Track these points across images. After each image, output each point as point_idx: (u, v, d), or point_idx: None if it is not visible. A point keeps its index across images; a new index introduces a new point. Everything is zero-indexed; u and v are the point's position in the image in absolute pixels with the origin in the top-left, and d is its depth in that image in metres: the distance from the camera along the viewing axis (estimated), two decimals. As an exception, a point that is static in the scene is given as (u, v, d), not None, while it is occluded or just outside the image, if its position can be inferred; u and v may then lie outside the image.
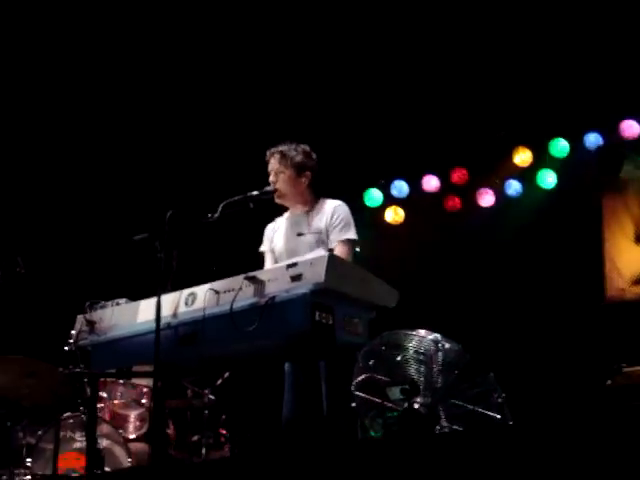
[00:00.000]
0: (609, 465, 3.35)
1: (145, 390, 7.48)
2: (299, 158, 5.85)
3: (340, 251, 5.52)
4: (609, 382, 6.85)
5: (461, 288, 8.88)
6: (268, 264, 5.83)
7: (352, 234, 5.71)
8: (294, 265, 4.79)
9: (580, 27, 8.16)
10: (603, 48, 8.18)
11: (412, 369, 5.41)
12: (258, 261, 5.94)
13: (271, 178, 5.84)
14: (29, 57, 8.70)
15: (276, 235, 5.96)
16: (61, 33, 8.62)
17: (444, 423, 5.37)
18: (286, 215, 6.00)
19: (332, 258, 4.83)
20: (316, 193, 5.92)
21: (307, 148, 5.93)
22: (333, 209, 5.77)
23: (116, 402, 7.44)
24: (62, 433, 6.62)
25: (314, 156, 5.94)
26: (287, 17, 8.58)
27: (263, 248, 6.01)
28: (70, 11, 8.45)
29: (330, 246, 5.62)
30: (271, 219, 6.09)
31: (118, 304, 5.50)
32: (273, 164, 5.87)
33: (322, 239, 5.68)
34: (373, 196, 9.68)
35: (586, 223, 8.55)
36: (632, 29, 8.00)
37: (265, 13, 8.59)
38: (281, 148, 5.88)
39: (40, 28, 8.56)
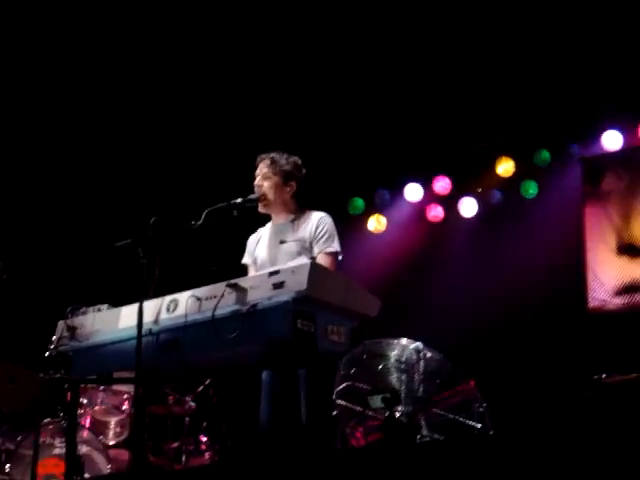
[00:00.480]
0: (588, 474, 3.36)
1: (126, 397, 7.46)
2: (288, 167, 5.86)
3: (324, 262, 5.51)
4: (589, 393, 6.87)
5: (443, 297, 8.89)
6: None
7: (336, 246, 5.71)
8: (276, 273, 4.79)
9: (562, 38, 8.19)
10: (585, 60, 8.21)
11: (393, 378, 5.43)
12: (240, 268, 5.94)
13: (257, 182, 5.85)
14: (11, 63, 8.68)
15: (258, 246, 5.96)
16: (45, 38, 8.59)
17: (425, 432, 5.38)
18: (268, 225, 6.00)
19: (314, 266, 4.83)
20: (300, 204, 5.92)
21: (298, 161, 5.95)
22: (318, 220, 5.77)
23: (96, 408, 7.42)
24: (42, 439, 6.59)
25: (303, 170, 5.96)
26: (272, 28, 8.58)
27: (245, 260, 6.01)
28: (59, 11, 8.41)
29: (313, 256, 5.62)
30: (254, 228, 6.08)
31: (100, 310, 5.48)
32: (261, 168, 5.88)
33: (305, 248, 5.68)
34: (356, 205, 9.69)
35: (568, 233, 8.58)
36: (613, 41, 8.04)
37: (252, 24, 8.59)
38: (272, 155, 5.90)
39: (28, 27, 8.53)
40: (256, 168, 5.92)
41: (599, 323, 8.27)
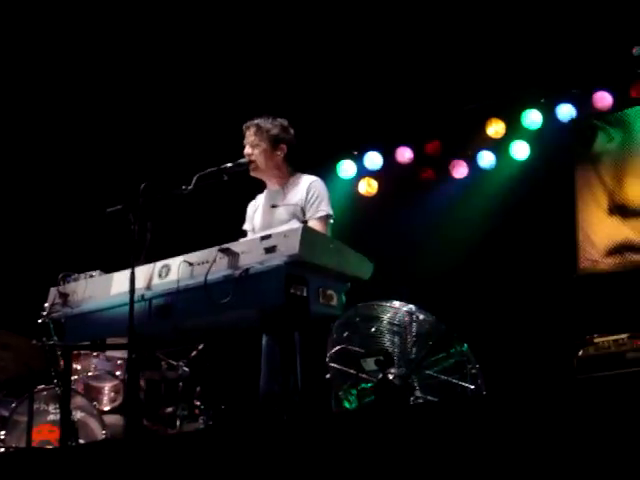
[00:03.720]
0: (580, 435, 3.38)
1: (119, 362, 7.47)
2: (275, 131, 5.83)
3: (316, 227, 5.49)
4: (580, 353, 6.90)
5: (434, 259, 8.89)
6: None
7: (327, 209, 5.70)
8: (268, 237, 4.80)
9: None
10: (574, 18, 8.17)
11: (386, 340, 5.45)
12: (233, 234, 5.93)
13: (246, 150, 5.82)
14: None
15: (256, 213, 5.96)
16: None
17: (418, 394, 5.40)
18: (265, 191, 5.99)
19: (306, 230, 4.84)
20: (292, 167, 5.90)
21: (285, 122, 5.92)
22: (309, 185, 5.75)
23: (90, 374, 7.43)
24: (36, 405, 6.60)
25: (291, 130, 5.93)
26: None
27: (246, 226, 6.00)
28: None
29: (305, 220, 5.61)
30: (246, 197, 6.07)
31: (91, 276, 5.49)
32: (249, 136, 5.85)
33: (296, 213, 5.66)
34: (346, 168, 9.67)
35: (559, 194, 8.57)
36: (604, 3, 8.01)
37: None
38: (257, 121, 5.86)
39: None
40: (244, 137, 5.89)
41: (590, 283, 8.29)
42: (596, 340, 6.89)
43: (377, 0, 8.53)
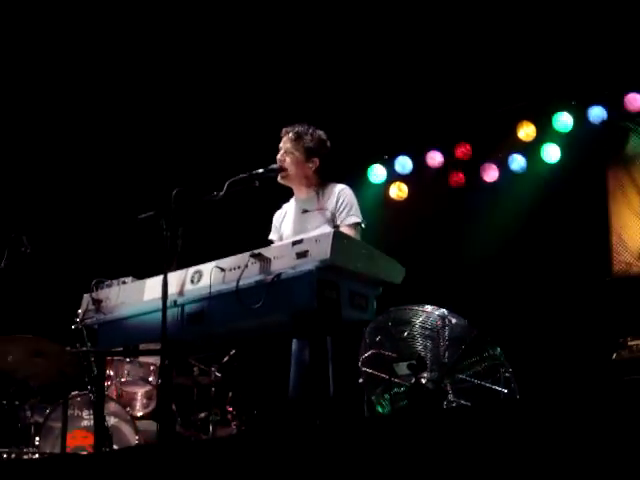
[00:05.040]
0: (614, 439, 3.36)
1: (152, 368, 7.50)
2: (311, 144, 5.81)
3: (347, 234, 5.49)
4: (614, 356, 6.86)
5: (467, 263, 8.88)
6: None
7: (357, 217, 5.70)
8: (300, 242, 4.79)
9: (585, 1, 8.13)
10: (607, 21, 8.13)
11: (419, 344, 5.43)
12: (264, 239, 5.94)
13: (279, 156, 5.82)
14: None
15: (284, 222, 5.95)
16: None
17: (451, 398, 5.38)
18: (292, 200, 5.98)
19: (337, 234, 4.82)
20: (323, 177, 5.89)
21: (323, 135, 5.89)
22: (338, 193, 5.75)
23: (123, 380, 7.47)
24: (70, 411, 6.64)
25: (328, 144, 5.91)
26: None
27: (272, 236, 6.00)
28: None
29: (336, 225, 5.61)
30: (278, 200, 6.07)
31: (124, 282, 5.50)
32: (285, 142, 5.84)
33: (328, 220, 5.66)
34: (377, 172, 9.67)
35: (591, 197, 8.53)
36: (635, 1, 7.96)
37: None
38: (297, 129, 5.84)
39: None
40: (280, 140, 5.89)
41: (624, 286, 8.23)
42: (630, 343, 6.85)
43: (407, 5, 8.51)
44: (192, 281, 5.11)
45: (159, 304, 5.01)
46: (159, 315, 4.98)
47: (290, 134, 5.85)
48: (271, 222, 6.07)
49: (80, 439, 6.82)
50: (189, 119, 9.30)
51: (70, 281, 7.24)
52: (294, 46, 8.85)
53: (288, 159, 5.80)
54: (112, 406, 7.00)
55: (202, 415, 7.68)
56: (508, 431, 3.57)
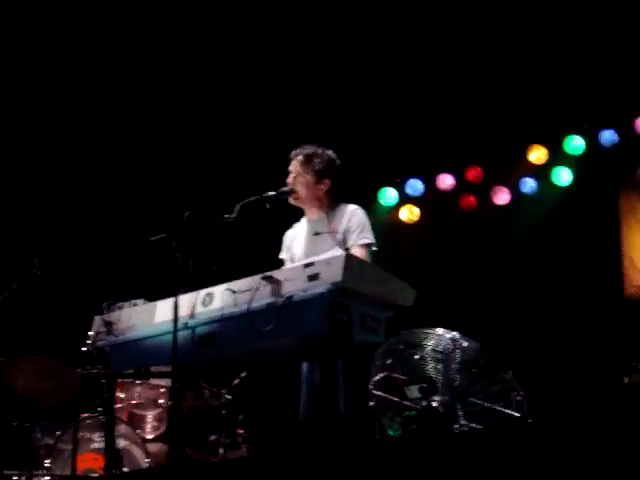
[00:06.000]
0: (626, 463, 3.34)
1: (162, 390, 7.48)
2: (321, 166, 5.82)
3: (358, 255, 5.48)
4: (627, 379, 6.84)
5: (478, 286, 8.87)
6: None
7: (369, 238, 5.71)
8: (311, 264, 4.79)
9: (594, 23, 8.14)
10: (617, 44, 8.15)
11: (430, 367, 5.41)
12: (275, 260, 5.94)
13: (289, 179, 5.83)
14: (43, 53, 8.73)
15: (295, 242, 5.95)
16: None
17: (462, 422, 5.36)
18: (303, 220, 5.98)
19: (349, 257, 4.82)
20: (334, 198, 5.89)
21: (333, 156, 5.89)
22: (350, 214, 5.75)
23: (134, 402, 7.45)
24: (80, 434, 6.63)
25: (338, 163, 5.91)
26: (299, 15, 8.57)
27: (283, 256, 6.00)
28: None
29: (347, 248, 5.60)
30: (289, 223, 6.08)
31: (135, 305, 5.51)
32: (295, 166, 5.85)
33: (339, 241, 5.66)
34: (388, 195, 9.68)
35: (603, 221, 8.53)
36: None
37: (277, 13, 8.59)
38: (307, 151, 5.85)
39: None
40: (290, 162, 5.89)
41: (636, 310, 8.21)
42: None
43: (420, 27, 8.53)
44: (203, 303, 5.11)
45: (170, 326, 5.01)
46: (170, 337, 4.98)
47: (300, 157, 5.85)
48: (281, 242, 6.07)
49: (91, 461, 6.79)
50: (201, 142, 9.32)
51: (81, 303, 7.25)
52: (306, 68, 8.87)
53: (299, 182, 5.80)
54: (122, 428, 6.98)
55: (212, 437, 7.64)
56: (520, 455, 3.56)
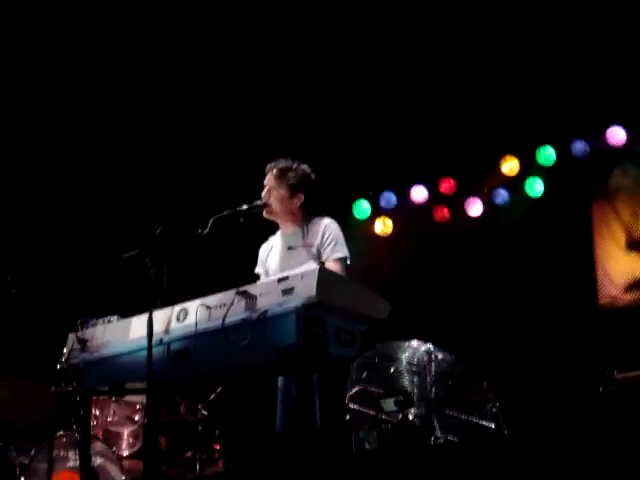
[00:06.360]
0: (602, 472, 3.35)
1: (138, 407, 7.45)
2: (295, 180, 5.82)
3: (333, 268, 5.49)
4: (601, 389, 6.86)
5: (452, 298, 8.88)
6: None
7: (343, 252, 5.71)
8: (285, 279, 4.78)
9: (565, 36, 8.19)
10: (587, 56, 8.20)
11: (405, 380, 5.41)
12: (250, 274, 5.93)
13: (263, 193, 5.83)
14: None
15: (270, 255, 5.95)
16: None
17: (439, 434, 5.36)
18: (278, 233, 5.99)
19: (323, 271, 4.82)
20: (308, 212, 5.89)
21: (307, 170, 5.90)
22: (324, 227, 5.75)
23: (109, 420, 7.41)
24: (55, 452, 6.59)
25: (312, 177, 5.91)
26: (275, 28, 8.58)
27: (258, 270, 6.00)
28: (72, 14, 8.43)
29: (322, 261, 5.60)
30: (264, 236, 6.07)
31: (110, 321, 5.48)
32: (269, 179, 5.85)
33: (313, 255, 5.66)
34: (362, 208, 9.69)
35: (576, 231, 8.57)
36: (617, 38, 8.03)
37: (255, 26, 8.59)
38: (281, 165, 5.85)
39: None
40: (264, 177, 5.89)
41: (610, 319, 8.25)
42: (617, 376, 6.85)
43: (391, 41, 8.56)
44: (178, 319, 5.10)
45: (145, 342, 4.99)
46: (145, 354, 4.96)
47: (274, 171, 5.85)
48: (257, 256, 6.06)
49: (66, 480, 6.76)
50: (172, 157, 9.30)
51: (55, 320, 7.21)
52: (280, 82, 8.88)
53: (273, 196, 5.81)
54: (98, 446, 6.94)
55: (189, 453, 7.62)
56: (496, 466, 3.56)
